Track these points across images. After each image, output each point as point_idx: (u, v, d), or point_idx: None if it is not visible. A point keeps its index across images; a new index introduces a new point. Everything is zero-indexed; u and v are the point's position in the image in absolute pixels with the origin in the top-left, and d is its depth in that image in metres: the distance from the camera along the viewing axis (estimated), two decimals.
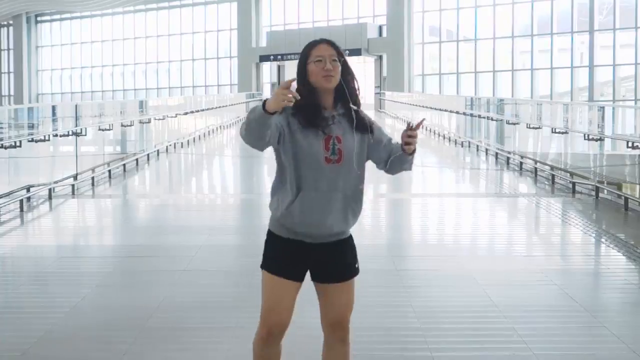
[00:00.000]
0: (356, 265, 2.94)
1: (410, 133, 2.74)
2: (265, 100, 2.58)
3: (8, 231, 8.03)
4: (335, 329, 2.91)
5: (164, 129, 18.54)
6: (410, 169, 2.92)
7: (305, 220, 2.77)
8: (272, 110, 2.55)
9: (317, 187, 2.75)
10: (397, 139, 2.91)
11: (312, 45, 2.79)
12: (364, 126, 2.82)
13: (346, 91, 2.79)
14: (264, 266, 2.86)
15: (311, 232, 2.81)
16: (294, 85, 2.73)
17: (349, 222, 2.86)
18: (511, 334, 4.30)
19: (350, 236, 2.94)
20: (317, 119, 2.74)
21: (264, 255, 2.88)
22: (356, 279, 2.98)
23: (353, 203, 2.83)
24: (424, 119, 2.86)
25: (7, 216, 8.56)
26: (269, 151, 2.89)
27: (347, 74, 2.80)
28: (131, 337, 4.27)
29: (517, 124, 14.69)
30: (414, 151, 2.81)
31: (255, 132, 2.64)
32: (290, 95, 2.51)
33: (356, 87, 2.85)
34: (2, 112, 11.10)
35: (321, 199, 2.76)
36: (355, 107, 2.79)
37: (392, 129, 27.61)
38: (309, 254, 2.84)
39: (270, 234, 2.89)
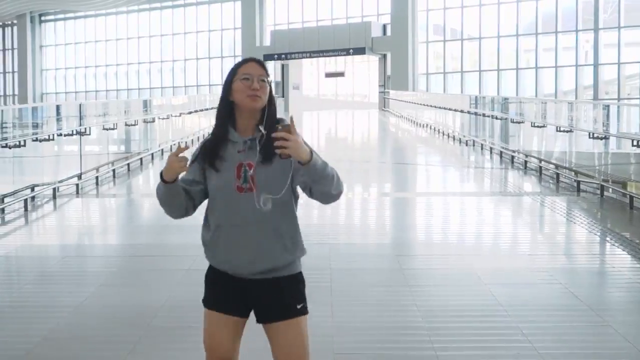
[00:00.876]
0: (298, 307, 2.58)
1: (276, 134, 2.35)
2: (161, 172, 2.49)
3: (12, 230, 8.04)
4: None
5: (168, 128, 18.57)
6: (328, 190, 2.48)
7: (224, 257, 2.57)
8: (169, 179, 2.49)
9: (231, 220, 2.53)
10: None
11: (240, 64, 2.58)
12: (270, 152, 2.45)
13: (265, 114, 2.54)
14: (203, 300, 2.68)
15: (235, 271, 2.57)
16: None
17: (278, 259, 2.54)
18: (516, 333, 4.29)
19: (299, 273, 2.62)
20: (219, 149, 2.55)
21: (204, 288, 2.68)
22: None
23: (280, 237, 2.54)
24: (291, 117, 2.46)
25: (12, 215, 8.57)
26: None
27: (270, 98, 2.57)
28: (135, 336, 4.27)
29: (522, 122, 14.67)
30: (309, 162, 2.39)
31: (172, 206, 2.57)
32: (183, 162, 2.46)
33: (275, 113, 2.57)
34: (6, 112, 11.12)
35: (236, 234, 2.53)
36: (263, 130, 2.50)
37: (396, 128, 27.60)
38: (246, 289, 2.58)
39: (209, 267, 2.68)
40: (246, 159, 2.52)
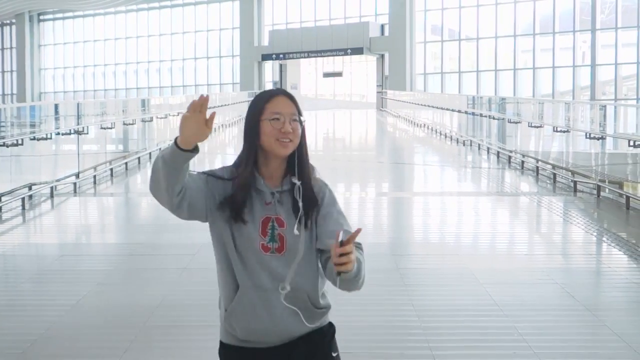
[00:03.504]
0: (334, 354, 2.22)
1: (340, 251, 1.91)
2: (176, 138, 1.91)
3: (10, 229, 8.04)
4: None
5: (166, 127, 18.57)
6: (351, 289, 2.18)
7: (248, 326, 2.10)
8: (186, 145, 1.89)
9: (257, 283, 2.07)
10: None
11: (267, 98, 2.11)
12: (311, 203, 2.11)
13: (296, 161, 2.11)
14: None
15: (260, 340, 2.13)
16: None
17: (304, 327, 2.14)
18: (512, 333, 4.30)
19: (329, 324, 2.26)
20: (244, 201, 2.07)
21: None
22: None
23: (310, 305, 2.16)
24: (359, 229, 1.97)
25: (9, 214, 8.57)
26: None
27: (302, 140, 2.13)
28: (132, 335, 4.28)
29: (519, 122, 14.69)
30: (357, 274, 2.10)
31: (162, 179, 1.94)
32: (209, 121, 1.93)
33: (306, 159, 2.14)
34: (4, 111, 11.12)
35: (262, 299, 2.08)
36: (298, 182, 2.09)
37: (394, 128, 27.62)
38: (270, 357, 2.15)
39: (221, 346, 2.19)
40: (275, 213, 2.09)
